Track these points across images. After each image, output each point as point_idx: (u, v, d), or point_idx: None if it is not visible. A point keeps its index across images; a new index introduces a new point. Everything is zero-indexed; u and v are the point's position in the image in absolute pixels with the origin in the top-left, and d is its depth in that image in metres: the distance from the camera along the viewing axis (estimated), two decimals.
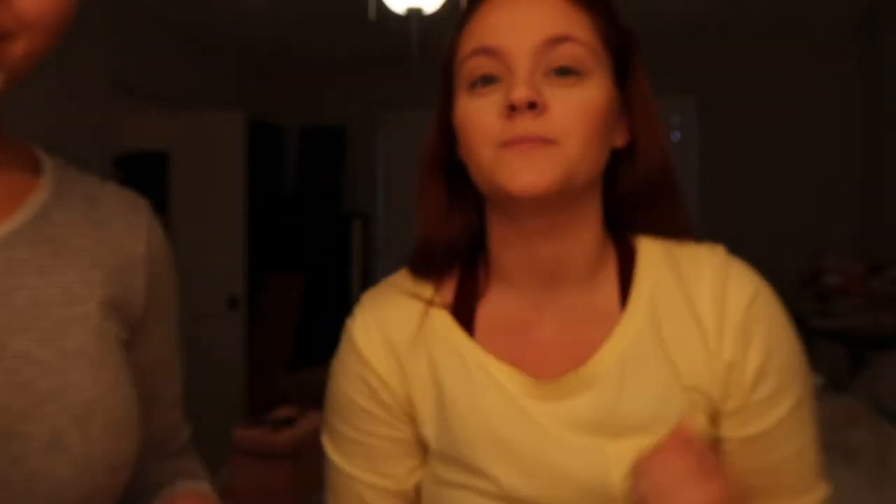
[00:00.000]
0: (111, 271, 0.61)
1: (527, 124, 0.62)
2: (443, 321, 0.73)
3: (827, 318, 3.67)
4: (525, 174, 0.62)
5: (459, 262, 0.76)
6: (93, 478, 0.54)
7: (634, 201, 0.74)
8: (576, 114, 0.63)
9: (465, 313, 0.73)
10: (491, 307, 0.73)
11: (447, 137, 0.73)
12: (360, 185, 5.48)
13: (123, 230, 0.64)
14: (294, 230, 5.32)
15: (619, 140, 0.71)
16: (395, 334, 0.74)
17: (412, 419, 0.72)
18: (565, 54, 0.64)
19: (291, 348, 5.06)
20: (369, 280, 5.36)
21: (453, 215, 0.74)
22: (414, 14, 3.35)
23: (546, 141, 0.63)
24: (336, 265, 5.33)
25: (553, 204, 0.65)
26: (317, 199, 5.37)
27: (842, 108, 4.60)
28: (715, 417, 0.67)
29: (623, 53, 0.70)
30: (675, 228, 0.75)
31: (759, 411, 0.67)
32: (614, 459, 0.64)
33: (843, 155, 4.60)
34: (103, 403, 0.55)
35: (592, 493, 0.64)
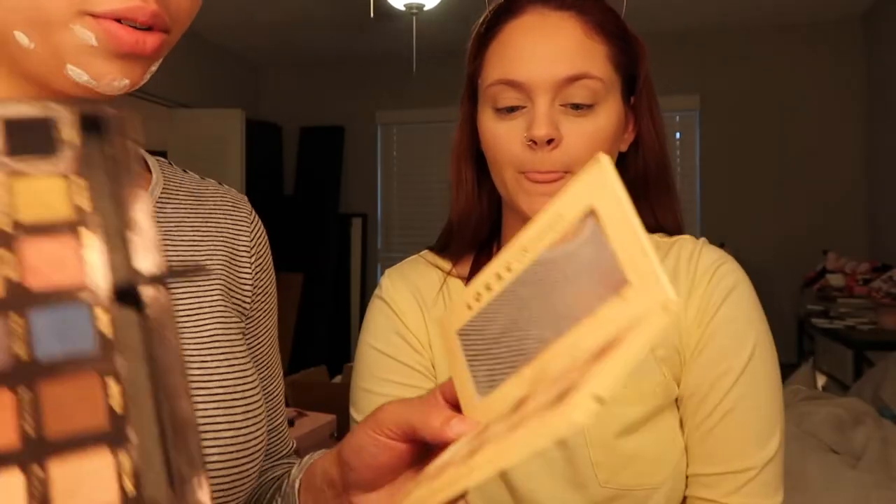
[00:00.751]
0: (221, 263, 0.63)
1: (544, 157, 0.72)
2: (458, 289, 0.84)
3: (831, 319, 3.64)
4: (540, 202, 0.73)
5: (476, 243, 0.87)
6: (238, 465, 0.54)
7: (634, 194, 0.81)
8: (587, 143, 0.73)
9: None
10: None
11: (473, 134, 0.81)
12: (359, 184, 5.46)
13: (227, 224, 0.66)
14: (293, 230, 5.30)
15: (625, 145, 0.80)
16: (421, 287, 0.84)
17: (433, 370, 0.81)
18: (580, 91, 0.72)
19: (291, 348, 5.04)
20: (368, 280, 5.34)
21: (482, 198, 0.85)
22: (413, 10, 3.33)
23: (561, 173, 0.73)
24: (335, 265, 5.32)
25: None
26: (316, 199, 5.36)
27: (848, 107, 4.58)
28: (676, 374, 0.75)
29: (633, 69, 0.78)
30: (669, 225, 0.84)
31: (716, 354, 0.74)
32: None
33: (849, 155, 4.58)
34: (240, 390, 0.57)
35: (563, 459, 0.72)
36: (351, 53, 5.22)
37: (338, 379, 3.48)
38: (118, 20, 0.46)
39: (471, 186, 0.84)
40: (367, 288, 5.30)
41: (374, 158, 5.46)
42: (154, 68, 0.51)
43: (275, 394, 0.71)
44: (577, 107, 0.73)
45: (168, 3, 0.48)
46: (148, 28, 0.47)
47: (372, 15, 3.36)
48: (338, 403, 2.54)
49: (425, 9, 3.34)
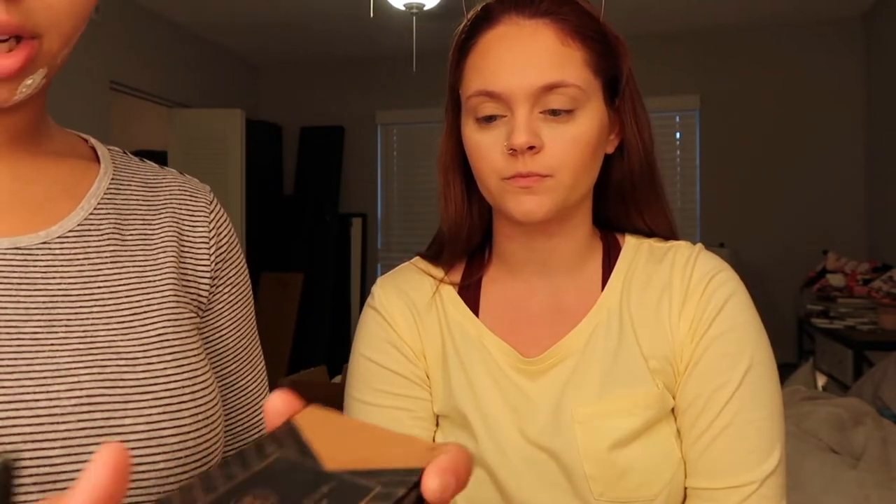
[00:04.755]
0: (174, 254, 0.61)
1: (526, 162, 0.72)
2: (450, 296, 0.83)
3: (831, 319, 3.64)
4: (526, 204, 0.73)
5: (468, 251, 0.86)
6: (186, 470, 0.53)
7: (623, 197, 0.83)
8: (568, 148, 0.72)
9: (470, 291, 0.83)
10: (493, 288, 0.83)
11: (459, 143, 0.80)
12: (359, 184, 5.46)
13: (182, 214, 0.64)
14: (293, 230, 5.30)
15: (611, 147, 0.80)
16: (413, 296, 0.83)
17: (427, 380, 0.81)
18: (557, 98, 0.72)
19: (291, 348, 5.04)
20: (368, 279, 5.34)
21: (472, 208, 0.84)
22: (413, 10, 3.33)
23: (543, 176, 0.72)
24: (335, 265, 5.32)
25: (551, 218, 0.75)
26: (316, 199, 5.36)
27: (847, 107, 4.58)
28: (671, 385, 0.75)
29: (614, 70, 0.77)
30: (661, 230, 0.83)
31: (711, 368, 0.73)
32: (579, 424, 0.73)
33: (849, 154, 4.58)
34: (189, 391, 0.54)
35: (558, 472, 0.72)
36: (351, 53, 5.22)
37: (337, 379, 3.48)
38: None
39: (460, 197, 0.83)
40: (367, 288, 5.29)
41: (374, 158, 5.46)
42: (34, 78, 0.49)
43: (250, 389, 0.68)
44: (555, 113, 0.72)
45: (30, 8, 0.46)
46: (9, 38, 0.46)
47: (372, 15, 3.36)
48: (338, 403, 2.53)
49: (425, 9, 3.35)
